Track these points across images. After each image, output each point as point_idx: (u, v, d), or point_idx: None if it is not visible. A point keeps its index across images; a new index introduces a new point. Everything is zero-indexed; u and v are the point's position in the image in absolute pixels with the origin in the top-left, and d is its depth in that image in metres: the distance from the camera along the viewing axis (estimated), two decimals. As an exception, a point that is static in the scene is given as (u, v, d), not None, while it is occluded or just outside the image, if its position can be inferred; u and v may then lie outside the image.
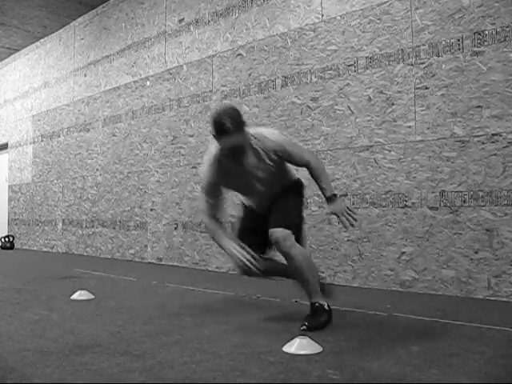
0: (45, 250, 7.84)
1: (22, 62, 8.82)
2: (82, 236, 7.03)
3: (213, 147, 2.57)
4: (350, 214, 2.49)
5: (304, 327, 2.40)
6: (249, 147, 2.47)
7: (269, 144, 2.50)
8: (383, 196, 3.80)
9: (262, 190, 2.63)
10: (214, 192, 2.62)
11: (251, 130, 2.53)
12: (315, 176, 2.56)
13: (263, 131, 2.60)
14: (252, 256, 2.48)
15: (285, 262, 2.60)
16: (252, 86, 4.79)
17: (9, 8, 6.99)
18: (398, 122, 3.76)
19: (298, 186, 2.75)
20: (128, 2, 6.45)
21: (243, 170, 2.53)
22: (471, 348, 2.09)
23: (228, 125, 2.33)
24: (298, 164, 2.60)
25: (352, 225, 2.53)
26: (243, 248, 2.51)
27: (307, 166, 2.56)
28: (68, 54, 7.62)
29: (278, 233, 2.45)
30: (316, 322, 2.45)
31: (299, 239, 2.59)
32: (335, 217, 2.59)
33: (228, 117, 2.36)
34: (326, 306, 2.52)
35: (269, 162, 2.53)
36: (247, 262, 2.45)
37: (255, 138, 2.50)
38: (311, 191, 4.22)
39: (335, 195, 2.54)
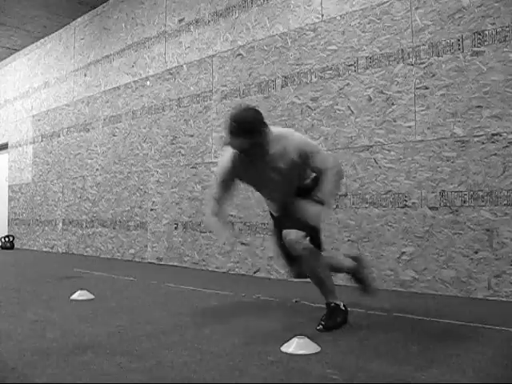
0: (45, 250, 7.84)
1: (22, 62, 8.82)
2: (82, 236, 7.03)
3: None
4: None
5: (320, 327, 2.42)
6: (266, 149, 2.49)
7: (291, 144, 2.49)
8: (383, 196, 3.80)
9: (276, 192, 2.66)
10: (225, 187, 2.71)
11: (274, 129, 2.54)
12: (324, 180, 2.49)
13: (286, 131, 2.61)
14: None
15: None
16: (252, 85, 4.79)
17: (9, 8, 6.99)
18: (397, 122, 3.76)
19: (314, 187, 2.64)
20: (128, 1, 6.45)
21: (258, 170, 2.57)
22: (471, 348, 2.09)
23: (244, 127, 2.38)
24: (315, 169, 2.54)
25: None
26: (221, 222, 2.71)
27: (324, 172, 2.49)
28: (68, 54, 7.62)
29: (291, 235, 2.47)
30: (332, 322, 2.47)
31: (317, 241, 2.60)
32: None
33: (245, 119, 2.41)
34: (341, 306, 2.55)
35: (285, 164, 2.52)
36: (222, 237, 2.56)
37: (276, 138, 2.50)
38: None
39: (322, 203, 2.44)
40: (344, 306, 2.56)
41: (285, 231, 2.50)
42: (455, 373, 1.77)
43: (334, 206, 4.05)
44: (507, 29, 3.26)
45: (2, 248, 8.21)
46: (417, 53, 3.67)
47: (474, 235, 3.33)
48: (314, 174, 2.64)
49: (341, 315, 2.53)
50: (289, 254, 2.65)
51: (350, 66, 4.05)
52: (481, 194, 3.33)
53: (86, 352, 2.02)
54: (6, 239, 8.34)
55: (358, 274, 2.95)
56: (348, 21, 4.08)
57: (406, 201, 3.67)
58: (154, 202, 5.82)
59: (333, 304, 2.53)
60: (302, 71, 4.38)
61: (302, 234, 2.47)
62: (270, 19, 4.68)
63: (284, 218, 2.62)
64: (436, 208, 3.52)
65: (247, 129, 2.40)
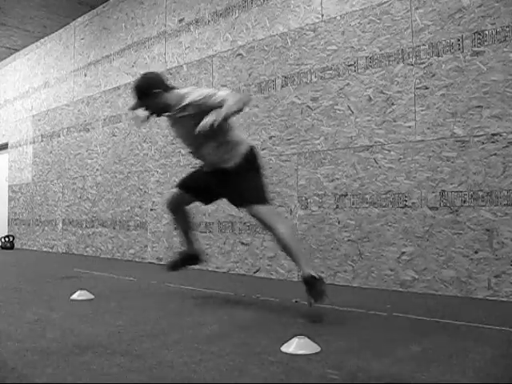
0: (45, 249, 7.84)
1: (22, 62, 8.82)
2: (81, 236, 7.03)
3: None
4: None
5: (311, 303, 2.58)
6: (166, 107, 2.89)
7: (191, 96, 2.82)
8: (383, 196, 3.80)
9: (193, 145, 3.00)
10: None
11: (181, 90, 2.92)
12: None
13: (190, 88, 2.95)
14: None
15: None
16: (252, 85, 4.79)
17: (9, 8, 6.99)
18: (397, 122, 3.76)
19: (251, 160, 2.92)
20: (128, 1, 6.45)
21: (171, 125, 3.05)
22: (471, 348, 2.09)
23: (139, 91, 2.88)
24: (216, 105, 2.74)
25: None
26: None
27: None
28: (68, 54, 7.62)
29: (261, 209, 2.76)
30: (316, 293, 2.59)
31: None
32: None
33: (139, 84, 2.90)
34: (316, 275, 2.64)
35: (188, 115, 2.83)
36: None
37: (180, 96, 2.86)
38: (311, 191, 4.22)
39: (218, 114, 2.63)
40: (316, 273, 2.67)
41: (254, 207, 2.77)
42: (455, 373, 1.77)
43: (334, 206, 4.06)
44: (507, 29, 3.26)
45: (2, 248, 8.21)
46: (417, 53, 3.67)
47: (474, 235, 3.33)
48: (243, 153, 2.89)
49: (319, 283, 2.62)
50: (182, 202, 3.14)
51: (350, 66, 4.05)
52: (481, 194, 3.33)
53: (86, 352, 2.02)
54: (6, 239, 8.34)
55: (188, 256, 3.26)
56: (348, 21, 4.08)
57: (406, 201, 3.67)
58: (154, 202, 5.82)
59: (309, 276, 2.62)
60: (302, 71, 4.38)
61: (270, 207, 2.79)
62: (270, 19, 4.68)
63: (229, 188, 2.91)
64: (436, 208, 3.52)
65: (141, 92, 2.87)
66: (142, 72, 3.03)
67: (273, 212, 2.77)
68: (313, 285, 2.61)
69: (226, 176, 2.91)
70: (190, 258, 3.32)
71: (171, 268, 3.31)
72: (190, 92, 2.87)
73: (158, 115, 2.98)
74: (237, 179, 2.86)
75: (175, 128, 3.06)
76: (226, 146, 2.89)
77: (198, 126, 2.68)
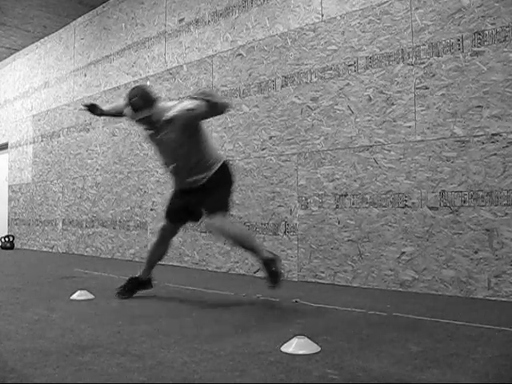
0: (45, 249, 7.84)
1: (22, 62, 8.82)
2: (81, 236, 7.02)
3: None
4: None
5: (271, 286, 3.04)
6: (154, 119, 3.01)
7: (174, 110, 2.97)
8: (383, 196, 3.80)
9: (175, 159, 3.11)
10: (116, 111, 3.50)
11: (164, 103, 3.10)
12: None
13: (172, 103, 3.09)
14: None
15: None
16: (252, 85, 4.79)
17: (9, 8, 6.99)
18: (397, 122, 3.76)
19: (223, 173, 3.13)
20: (128, 1, 6.45)
21: (155, 138, 3.12)
22: (471, 348, 2.09)
23: (138, 102, 2.96)
24: (198, 119, 3.02)
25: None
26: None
27: (205, 116, 3.00)
28: (68, 54, 7.62)
29: (216, 222, 3.00)
30: (273, 276, 3.03)
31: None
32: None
33: (137, 95, 2.98)
34: (271, 256, 3.04)
35: (172, 130, 2.99)
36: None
37: (164, 109, 3.01)
38: (311, 191, 4.22)
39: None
40: (271, 253, 3.08)
41: (210, 220, 3.01)
42: (455, 373, 1.77)
43: (334, 206, 4.06)
44: (507, 29, 3.26)
45: (2, 248, 8.21)
46: (417, 53, 3.67)
47: (474, 235, 3.33)
48: (219, 165, 3.10)
49: (273, 264, 3.01)
50: (172, 233, 3.34)
51: (350, 65, 4.05)
52: (481, 194, 3.33)
53: (85, 352, 2.02)
54: (6, 239, 8.34)
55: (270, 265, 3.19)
56: (348, 21, 4.08)
57: (406, 201, 3.67)
58: (153, 201, 5.82)
59: (265, 259, 3.02)
60: (301, 71, 4.38)
61: (220, 218, 2.98)
62: (270, 19, 4.68)
63: (198, 197, 3.07)
64: (436, 208, 3.52)
65: (146, 100, 2.97)
66: (133, 87, 3.23)
67: (224, 221, 3.03)
68: (270, 267, 2.99)
69: (200, 191, 3.09)
70: (140, 283, 3.42)
71: (121, 294, 3.34)
72: (175, 105, 3.01)
73: (146, 127, 3.10)
74: (207, 192, 3.07)
75: (156, 142, 3.16)
76: (202, 165, 3.06)
77: (177, 141, 2.97)
